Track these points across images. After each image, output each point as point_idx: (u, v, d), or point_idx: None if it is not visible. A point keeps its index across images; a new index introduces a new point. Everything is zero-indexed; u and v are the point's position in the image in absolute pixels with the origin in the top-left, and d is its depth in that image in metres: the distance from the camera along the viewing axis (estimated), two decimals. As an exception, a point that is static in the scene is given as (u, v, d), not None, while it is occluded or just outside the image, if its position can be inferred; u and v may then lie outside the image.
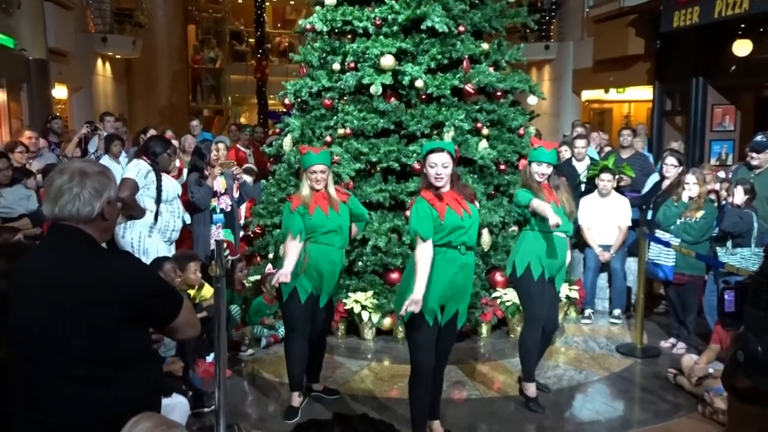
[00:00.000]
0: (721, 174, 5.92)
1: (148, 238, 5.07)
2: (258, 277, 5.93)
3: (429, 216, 3.55)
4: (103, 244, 2.20)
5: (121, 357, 2.05)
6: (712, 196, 6.03)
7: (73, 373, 2.00)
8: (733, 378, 2.28)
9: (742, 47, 8.78)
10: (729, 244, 5.20)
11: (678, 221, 5.46)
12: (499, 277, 5.88)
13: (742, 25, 8.63)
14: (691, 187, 5.43)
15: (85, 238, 2.09)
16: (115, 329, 2.02)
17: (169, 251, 5.22)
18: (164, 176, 5.19)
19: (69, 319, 1.99)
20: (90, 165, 2.19)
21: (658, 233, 5.58)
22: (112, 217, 2.17)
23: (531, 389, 4.51)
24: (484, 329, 5.78)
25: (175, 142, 7.80)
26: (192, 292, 4.94)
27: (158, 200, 5.07)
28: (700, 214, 5.39)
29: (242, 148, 8.96)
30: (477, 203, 3.71)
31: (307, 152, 4.22)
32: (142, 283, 2.12)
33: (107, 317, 2.00)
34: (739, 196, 5.16)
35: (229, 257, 5.47)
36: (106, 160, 6.82)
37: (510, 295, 5.72)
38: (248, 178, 6.74)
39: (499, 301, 5.79)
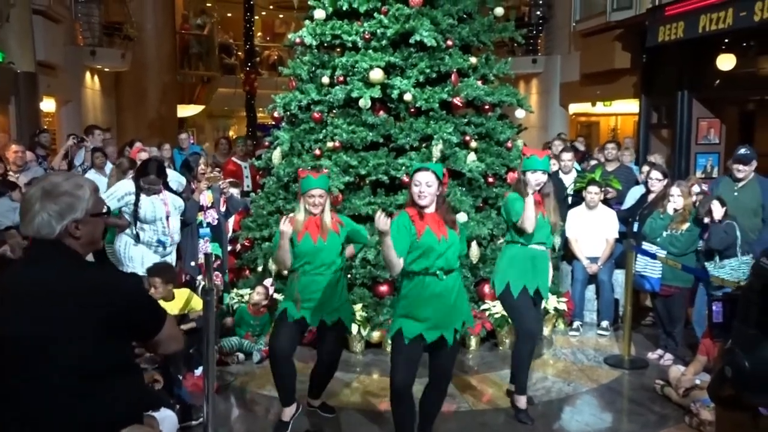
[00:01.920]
0: (695, 188, 5.95)
1: (133, 247, 5.29)
2: (247, 290, 5.92)
3: (407, 231, 3.55)
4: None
5: (107, 368, 2.04)
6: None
7: (60, 383, 1.99)
8: (719, 391, 2.30)
9: (726, 61, 8.90)
10: (717, 258, 5.24)
11: (664, 233, 5.51)
12: (487, 289, 5.89)
13: (726, 40, 8.75)
14: (676, 199, 5.48)
15: (67, 250, 2.07)
16: (100, 339, 2.00)
17: (161, 260, 5.26)
18: (145, 198, 5.27)
19: (54, 329, 1.97)
20: (62, 182, 2.09)
21: (645, 245, 5.62)
22: (85, 235, 2.10)
23: (522, 401, 4.52)
24: (473, 342, 5.79)
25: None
26: (180, 304, 4.94)
27: (135, 219, 5.23)
28: (685, 226, 5.44)
29: (238, 161, 8.81)
30: (458, 231, 3.69)
31: (306, 176, 4.16)
32: (126, 294, 2.10)
33: (92, 327, 1.99)
34: (718, 212, 5.21)
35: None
36: (92, 174, 6.83)
37: (498, 308, 5.73)
38: (235, 191, 6.74)
39: (487, 313, 5.80)
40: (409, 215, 3.60)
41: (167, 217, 5.32)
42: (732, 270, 5.16)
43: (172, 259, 5.45)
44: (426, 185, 3.57)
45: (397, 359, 3.64)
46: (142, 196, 5.22)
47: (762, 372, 2.04)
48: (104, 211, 2.19)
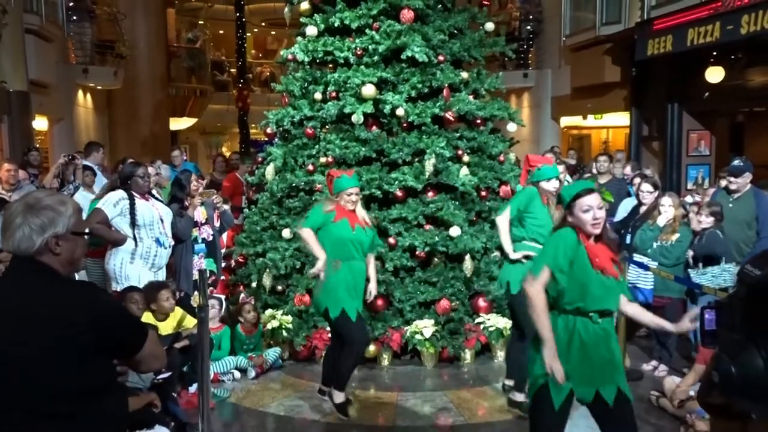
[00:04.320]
0: (688, 199, 5.97)
1: (129, 265, 5.13)
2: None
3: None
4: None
5: (86, 390, 1.98)
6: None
7: (36, 407, 1.93)
8: (707, 397, 2.32)
9: (715, 74, 9.00)
10: (700, 264, 5.27)
11: (654, 245, 5.54)
12: (482, 302, 5.90)
13: (714, 53, 8.85)
14: (667, 209, 5.51)
15: (45, 269, 2.03)
16: (78, 360, 1.95)
17: (155, 278, 5.20)
18: (139, 201, 5.20)
19: (31, 350, 1.92)
20: (44, 198, 2.08)
21: (637, 257, 5.64)
22: (65, 252, 2.05)
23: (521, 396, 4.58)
24: (468, 355, 5.78)
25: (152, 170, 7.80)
26: (173, 323, 4.92)
27: (133, 224, 5.13)
28: (675, 237, 5.46)
29: (240, 177, 8.93)
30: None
31: (340, 176, 4.46)
32: (106, 313, 2.05)
33: (70, 347, 1.94)
34: (703, 221, 5.27)
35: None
36: (81, 192, 6.80)
37: (493, 321, 5.74)
38: (228, 207, 6.72)
39: (482, 326, 5.79)
40: None
41: (161, 220, 5.30)
42: (713, 277, 5.18)
43: (162, 277, 5.39)
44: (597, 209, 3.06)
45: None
46: (137, 200, 5.19)
47: (748, 377, 2.06)
48: (86, 232, 2.15)
